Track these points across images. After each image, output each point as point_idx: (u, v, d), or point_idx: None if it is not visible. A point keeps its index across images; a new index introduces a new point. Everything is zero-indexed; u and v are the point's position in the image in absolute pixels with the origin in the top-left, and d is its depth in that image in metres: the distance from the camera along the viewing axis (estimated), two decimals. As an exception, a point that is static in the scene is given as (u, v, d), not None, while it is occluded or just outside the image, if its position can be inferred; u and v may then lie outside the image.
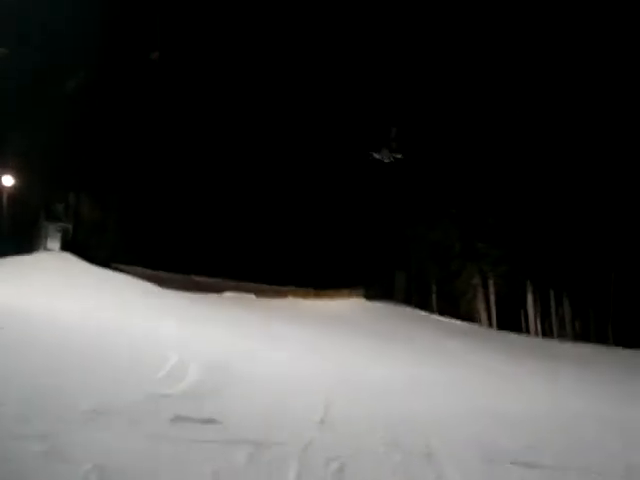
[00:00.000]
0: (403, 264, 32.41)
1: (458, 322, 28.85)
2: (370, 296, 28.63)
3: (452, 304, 31.84)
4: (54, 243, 26.81)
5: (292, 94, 29.27)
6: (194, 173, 29.50)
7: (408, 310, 29.18)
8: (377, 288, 29.72)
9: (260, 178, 29.96)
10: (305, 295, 28.22)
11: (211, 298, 25.96)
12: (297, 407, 9.55)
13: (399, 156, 23.35)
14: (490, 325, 31.33)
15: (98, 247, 28.30)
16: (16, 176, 28.89)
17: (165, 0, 27.52)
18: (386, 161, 23.50)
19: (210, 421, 7.91)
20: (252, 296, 27.70)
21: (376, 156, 23.65)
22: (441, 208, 31.26)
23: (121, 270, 25.97)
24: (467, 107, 29.17)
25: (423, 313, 29.46)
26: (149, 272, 26.85)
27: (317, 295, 28.14)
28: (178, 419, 7.79)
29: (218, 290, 27.54)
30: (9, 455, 5.77)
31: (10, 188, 29.05)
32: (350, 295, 28.29)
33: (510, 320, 30.76)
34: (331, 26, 28.81)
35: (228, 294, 27.47)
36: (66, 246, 26.82)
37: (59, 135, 27.60)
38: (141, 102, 28.54)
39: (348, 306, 26.94)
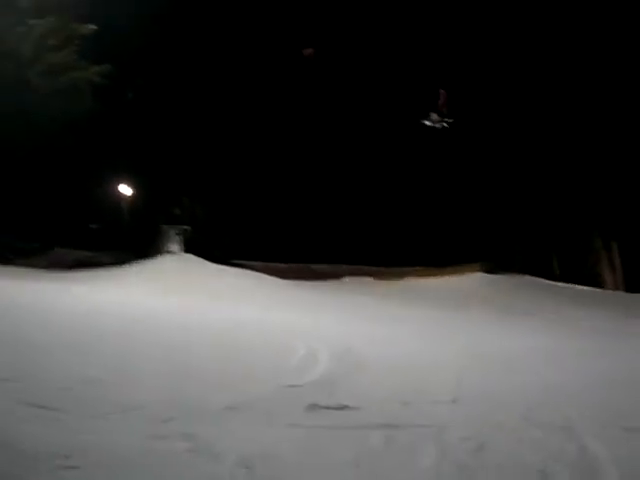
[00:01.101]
0: (521, 233, 31.75)
1: (583, 288, 28.03)
2: (490, 269, 28.17)
3: (575, 270, 31.02)
4: (175, 245, 27.63)
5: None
6: (303, 160, 29.73)
7: (529, 280, 28.54)
8: (496, 260, 29.22)
9: (372, 160, 29.89)
10: (424, 274, 28.04)
11: (330, 285, 26.20)
12: (428, 387, 9.54)
13: (450, 120, 22.65)
14: (616, 288, 30.33)
15: (216, 245, 29.06)
16: (132, 184, 30.10)
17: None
18: (438, 127, 22.83)
19: (344, 407, 8.01)
20: (370, 279, 27.78)
21: (427, 123, 22.96)
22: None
23: (240, 265, 26.59)
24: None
25: (545, 282, 28.76)
26: (267, 265, 27.39)
27: (436, 273, 27.90)
28: (313, 407, 7.94)
29: (336, 276, 27.75)
30: (158, 455, 6.04)
31: (129, 197, 30.30)
32: (469, 270, 27.91)
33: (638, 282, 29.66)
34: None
35: (346, 279, 27.65)
36: (186, 247, 27.63)
37: (169, 138, 28.54)
38: (242, 99, 28.96)
39: (468, 281, 26.60)
